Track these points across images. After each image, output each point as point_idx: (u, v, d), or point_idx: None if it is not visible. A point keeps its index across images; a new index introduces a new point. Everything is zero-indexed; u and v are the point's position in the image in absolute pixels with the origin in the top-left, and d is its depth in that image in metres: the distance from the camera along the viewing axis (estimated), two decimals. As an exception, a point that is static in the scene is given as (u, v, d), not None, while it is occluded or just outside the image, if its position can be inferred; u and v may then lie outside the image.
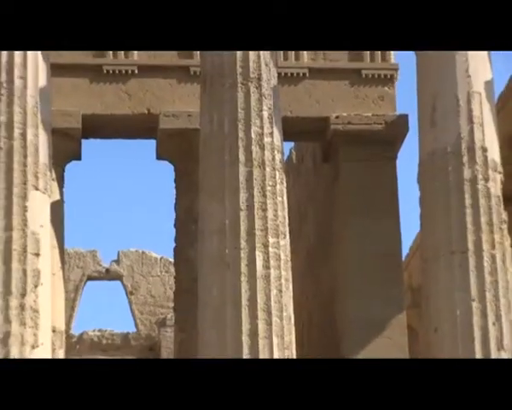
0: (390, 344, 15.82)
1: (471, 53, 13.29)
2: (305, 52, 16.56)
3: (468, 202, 12.84)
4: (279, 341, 12.32)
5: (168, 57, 16.39)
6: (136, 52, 16.47)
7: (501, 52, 14.11)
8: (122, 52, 16.46)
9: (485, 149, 13.03)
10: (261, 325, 12.29)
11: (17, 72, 12.86)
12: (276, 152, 13.00)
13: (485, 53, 13.50)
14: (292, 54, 16.40)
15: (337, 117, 16.45)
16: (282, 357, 12.32)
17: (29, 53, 13.00)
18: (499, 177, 13.13)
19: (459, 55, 13.24)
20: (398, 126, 16.53)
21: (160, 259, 28.45)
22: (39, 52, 13.13)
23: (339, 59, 16.72)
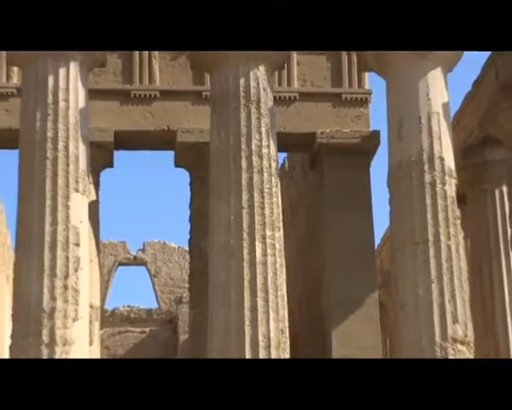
0: (365, 317, 15.83)
1: (431, 80, 13.24)
2: (295, 79, 16.49)
3: (428, 201, 12.82)
4: (274, 315, 12.34)
5: (184, 83, 16.40)
6: (158, 78, 16.39)
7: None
8: (147, 78, 16.39)
9: (442, 159, 13.01)
10: (260, 302, 12.31)
11: (61, 95, 12.80)
12: (272, 161, 13.01)
13: (442, 80, 13.45)
14: (285, 80, 16.34)
15: (322, 132, 16.41)
16: (277, 328, 12.27)
17: (71, 79, 12.91)
18: (454, 181, 13.09)
19: (421, 81, 13.21)
20: (372, 140, 16.50)
21: (178, 248, 28.40)
22: (79, 79, 13.03)
23: (323, 85, 16.69)
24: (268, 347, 12.19)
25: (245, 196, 12.70)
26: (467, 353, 12.49)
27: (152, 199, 48.57)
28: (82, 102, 13.04)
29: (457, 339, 12.44)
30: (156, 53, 16.42)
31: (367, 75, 16.67)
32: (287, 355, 12.37)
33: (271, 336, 12.26)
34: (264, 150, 12.94)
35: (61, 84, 12.87)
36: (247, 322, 12.23)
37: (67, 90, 12.88)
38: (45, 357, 11.89)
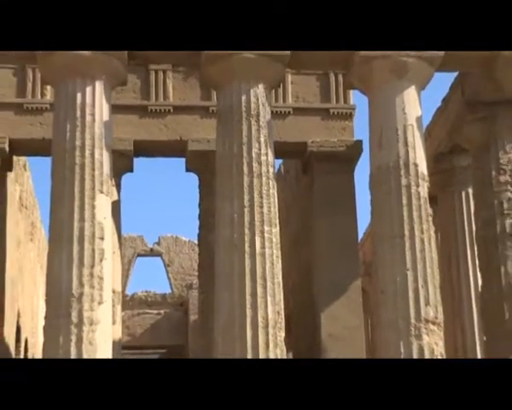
0: (350, 301, 15.81)
1: (406, 97, 13.18)
2: (290, 96, 16.46)
3: (404, 202, 12.78)
4: (271, 299, 12.32)
5: (193, 99, 16.38)
6: (171, 95, 16.37)
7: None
8: (162, 95, 16.34)
9: (416, 165, 12.96)
10: (259, 288, 12.28)
11: (88, 110, 12.77)
12: (269, 167, 12.97)
13: (416, 97, 13.37)
14: (281, 97, 16.31)
15: (312, 142, 16.38)
16: (273, 310, 12.23)
17: (96, 96, 12.85)
18: (426, 184, 13.05)
19: (398, 98, 13.15)
20: (355, 149, 16.47)
21: (188, 241, 28.41)
22: (104, 95, 12.97)
23: (313, 101, 16.66)
24: (266, 326, 12.16)
25: (246, 197, 12.66)
26: (437, 332, 12.46)
27: (166, 199, 48.69)
28: (106, 116, 13.02)
29: (429, 320, 12.43)
30: (170, 73, 16.43)
31: (351, 93, 16.66)
32: (282, 334, 12.34)
33: (269, 317, 12.24)
34: (263, 157, 12.90)
35: (88, 100, 12.85)
36: (248, 305, 12.22)
37: (93, 105, 12.85)
38: (74, 336, 11.86)
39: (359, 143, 16.41)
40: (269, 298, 12.31)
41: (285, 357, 12.39)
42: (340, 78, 16.49)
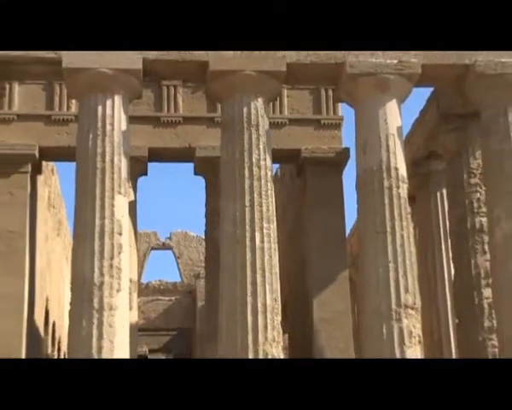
0: (338, 289, 15.76)
1: (388, 109, 13.14)
2: (286, 108, 16.44)
3: (386, 201, 12.75)
4: (269, 287, 12.29)
5: (201, 111, 16.34)
6: (181, 108, 16.33)
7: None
8: (173, 108, 16.32)
9: (397, 169, 12.93)
10: (258, 278, 12.25)
11: (108, 121, 12.76)
12: (267, 170, 12.93)
13: (397, 109, 13.30)
14: (278, 109, 16.27)
15: (306, 149, 16.33)
16: (271, 298, 12.19)
17: (115, 109, 12.82)
18: (405, 186, 13.01)
19: (381, 110, 13.11)
20: (343, 155, 16.42)
21: (196, 236, 28.42)
22: (122, 108, 12.91)
23: (306, 113, 16.63)
24: (264, 311, 12.14)
25: (247, 197, 12.62)
26: (415, 316, 12.43)
27: (176, 199, 48.76)
28: (124, 126, 12.99)
29: (408, 305, 12.39)
30: (180, 88, 16.43)
31: (340, 105, 16.62)
32: (279, 318, 12.31)
33: (267, 303, 12.21)
34: (262, 162, 12.86)
35: (108, 112, 12.84)
36: (248, 293, 12.19)
37: (113, 116, 12.83)
38: (96, 319, 11.85)
39: (347, 149, 16.37)
40: (267, 287, 12.28)
41: (281, 339, 12.35)
42: (330, 92, 16.52)
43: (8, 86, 15.41)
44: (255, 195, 12.65)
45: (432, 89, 15.35)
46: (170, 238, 28.89)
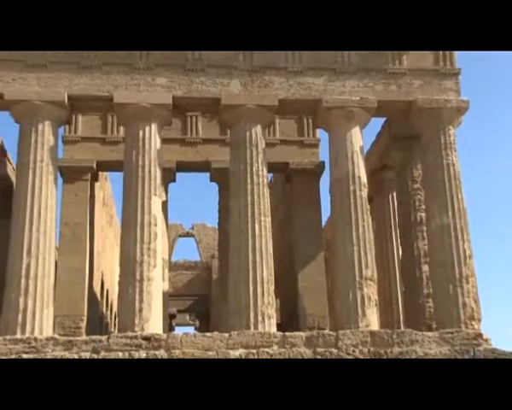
0: (317, 266, 15.59)
1: (353, 133, 13.06)
2: (278, 132, 16.27)
3: (351, 201, 12.75)
4: (265, 264, 12.27)
5: (215, 134, 16.18)
6: (200, 131, 16.19)
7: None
8: (195, 132, 16.14)
9: (359, 177, 12.93)
10: (257, 257, 12.24)
11: (146, 141, 12.74)
12: (264, 178, 12.89)
13: (359, 133, 13.19)
14: (272, 133, 16.07)
15: (292, 162, 16.21)
16: (266, 272, 12.12)
17: (152, 132, 12.74)
18: (366, 190, 12.99)
19: (348, 134, 13.04)
20: (320, 167, 16.29)
21: (212, 227, 28.09)
22: (157, 132, 12.79)
23: (293, 135, 16.45)
24: (262, 282, 12.13)
25: (249, 198, 12.59)
26: (373, 285, 12.43)
27: (197, 199, 48.31)
28: (158, 145, 12.95)
29: (368, 278, 12.40)
30: (199, 117, 16.33)
31: (318, 130, 16.49)
32: (272, 287, 12.26)
33: (264, 276, 12.20)
34: (260, 172, 12.83)
35: (147, 135, 12.82)
36: (250, 268, 12.16)
37: (150, 138, 12.80)
38: (138, 288, 11.78)
39: (322, 162, 16.28)
40: (264, 264, 12.26)
41: (274, 302, 12.31)
42: (310, 121, 16.40)
43: (74, 117, 15.40)
44: (255, 196, 12.62)
45: (385, 118, 15.32)
46: (192, 228, 28.76)
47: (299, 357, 11.31)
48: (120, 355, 11.11)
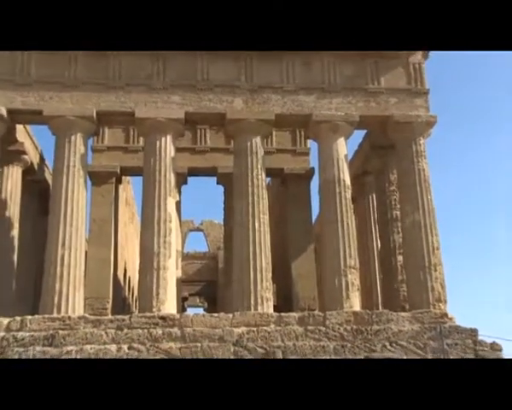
0: (307, 256, 15.62)
1: (338, 143, 13.00)
2: (274, 142, 16.20)
3: (337, 201, 12.71)
4: (264, 256, 12.23)
5: (221, 144, 16.13)
6: (209, 141, 16.12)
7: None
8: (203, 142, 16.11)
9: (344, 181, 12.89)
10: (257, 249, 12.22)
11: (163, 150, 12.70)
12: (262, 182, 12.85)
13: (344, 143, 13.13)
14: (269, 142, 15.93)
15: (287, 168, 16.19)
16: (265, 262, 12.04)
17: (167, 142, 12.64)
18: (349, 191, 12.97)
19: (334, 144, 12.97)
20: (310, 172, 16.23)
21: (218, 223, 28.12)
22: (171, 142, 12.69)
23: (287, 145, 16.42)
24: (261, 270, 12.12)
25: (250, 198, 12.56)
26: (355, 273, 12.41)
27: (206, 199, 48.20)
28: (172, 154, 12.91)
29: (351, 266, 12.39)
30: (208, 129, 16.34)
31: (309, 141, 16.44)
32: (269, 274, 12.22)
33: (262, 265, 12.18)
34: (259, 176, 12.80)
35: (163, 145, 12.78)
36: (251, 258, 12.15)
37: (166, 148, 12.77)
38: (155, 275, 11.74)
39: (312, 168, 16.25)
40: (262, 255, 12.24)
41: (271, 287, 12.27)
42: (302, 132, 16.40)
43: (101, 129, 15.40)
44: (255, 197, 12.59)
45: (366, 130, 15.31)
46: (202, 224, 28.78)
47: (293, 334, 11.33)
48: (140, 332, 11.17)
